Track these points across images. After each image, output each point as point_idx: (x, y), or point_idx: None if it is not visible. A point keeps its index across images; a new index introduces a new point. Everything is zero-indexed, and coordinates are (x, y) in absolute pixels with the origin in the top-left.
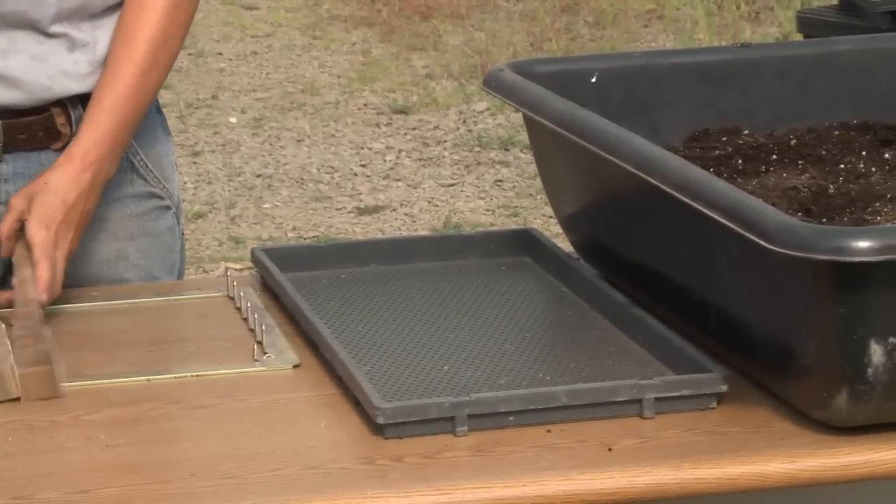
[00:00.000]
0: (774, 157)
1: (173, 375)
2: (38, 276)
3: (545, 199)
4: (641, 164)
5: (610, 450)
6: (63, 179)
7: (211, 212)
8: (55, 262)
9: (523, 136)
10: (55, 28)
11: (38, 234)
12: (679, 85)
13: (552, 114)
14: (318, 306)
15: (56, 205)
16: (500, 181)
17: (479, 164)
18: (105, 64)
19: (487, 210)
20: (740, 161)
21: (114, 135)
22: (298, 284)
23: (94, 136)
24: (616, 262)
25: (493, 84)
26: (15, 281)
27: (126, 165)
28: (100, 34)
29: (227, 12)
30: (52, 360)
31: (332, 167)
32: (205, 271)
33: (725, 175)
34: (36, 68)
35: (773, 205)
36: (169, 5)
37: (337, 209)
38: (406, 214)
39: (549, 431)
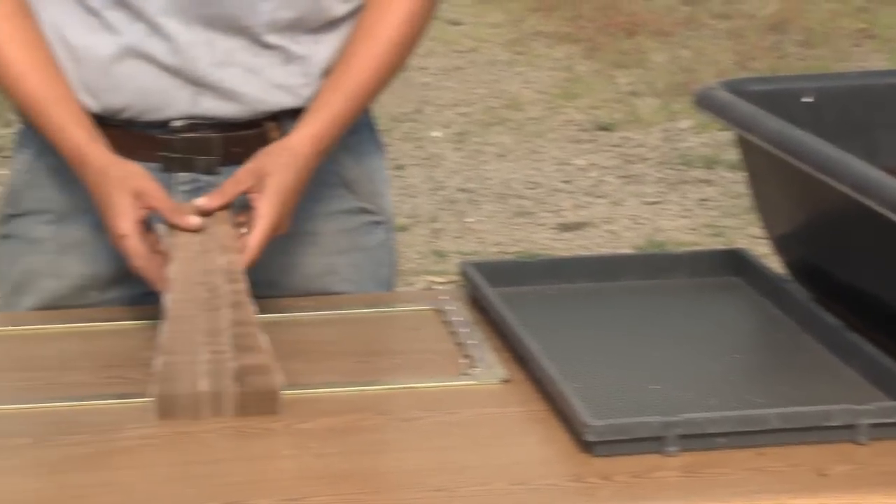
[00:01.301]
0: None
1: (383, 387)
2: (252, 241)
3: (750, 218)
4: (858, 185)
5: (823, 475)
6: (299, 162)
7: (414, 225)
8: (268, 237)
9: (728, 155)
10: (271, 39)
11: (270, 214)
12: None
13: (766, 133)
14: (526, 322)
15: (290, 189)
16: (705, 200)
17: (683, 182)
18: (343, 56)
19: (691, 229)
20: None
21: (342, 123)
22: (506, 299)
23: (327, 119)
24: (829, 285)
25: (705, 102)
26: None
27: (337, 181)
28: (317, 49)
29: (432, 28)
30: (272, 373)
31: (535, 183)
32: (407, 284)
33: None
34: (251, 81)
35: None
36: (410, 13)
37: (539, 225)
38: (608, 231)
39: (760, 454)
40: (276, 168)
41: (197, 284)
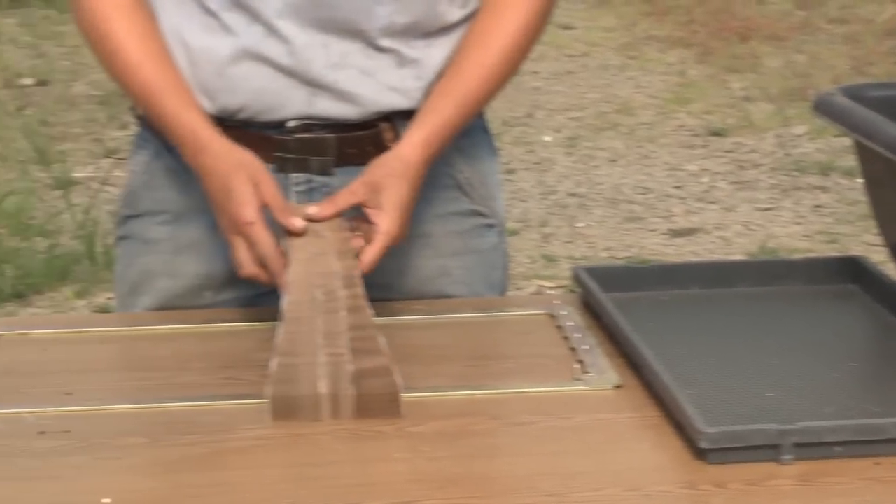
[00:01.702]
0: None
1: (495, 391)
2: (369, 252)
3: (866, 225)
4: None
5: None
6: (410, 171)
7: (524, 229)
8: (385, 250)
9: (844, 161)
10: (385, 42)
11: (391, 230)
12: None
13: (886, 139)
14: (639, 327)
15: (406, 200)
16: (819, 206)
17: (796, 188)
18: (454, 61)
19: (805, 236)
20: None
21: (452, 129)
22: (619, 305)
23: (438, 124)
24: None
25: (824, 108)
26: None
27: (451, 183)
28: (431, 53)
29: (544, 32)
30: (393, 375)
31: (646, 188)
32: (517, 288)
33: None
34: (365, 83)
35: None
36: (525, 21)
37: (650, 230)
38: (720, 238)
39: (877, 464)
40: (391, 182)
41: (314, 287)
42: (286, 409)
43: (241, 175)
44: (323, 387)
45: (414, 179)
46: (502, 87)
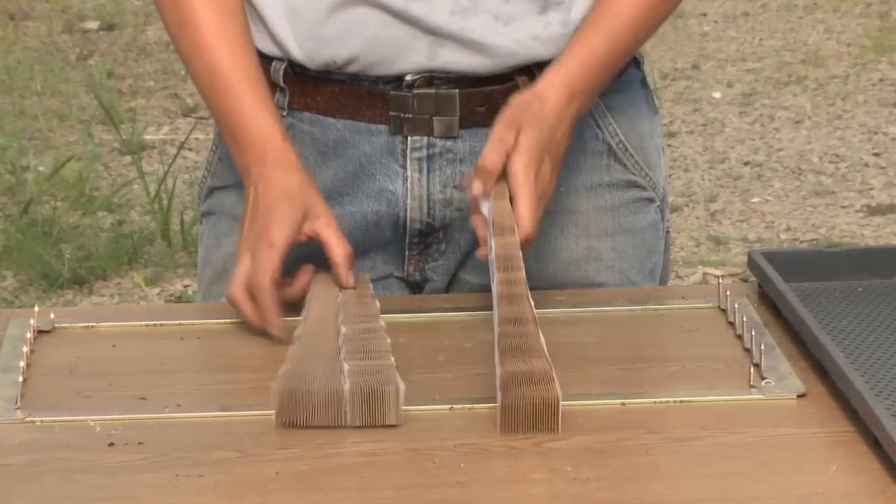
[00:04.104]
0: None
1: (653, 400)
2: (519, 213)
3: None
4: None
5: None
6: (552, 110)
7: (687, 205)
8: (534, 201)
9: None
10: None
11: (528, 178)
12: None
13: None
14: (828, 324)
15: (545, 143)
16: None
17: None
18: None
19: None
20: None
21: (602, 66)
22: (805, 297)
23: (582, 59)
24: None
25: None
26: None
27: (602, 148)
28: None
29: None
30: (554, 382)
31: (838, 155)
32: (678, 276)
33: None
34: (500, 30)
35: None
36: None
37: (842, 207)
38: None
39: None
40: (527, 121)
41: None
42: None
43: (293, 202)
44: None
45: (554, 121)
46: (659, 22)
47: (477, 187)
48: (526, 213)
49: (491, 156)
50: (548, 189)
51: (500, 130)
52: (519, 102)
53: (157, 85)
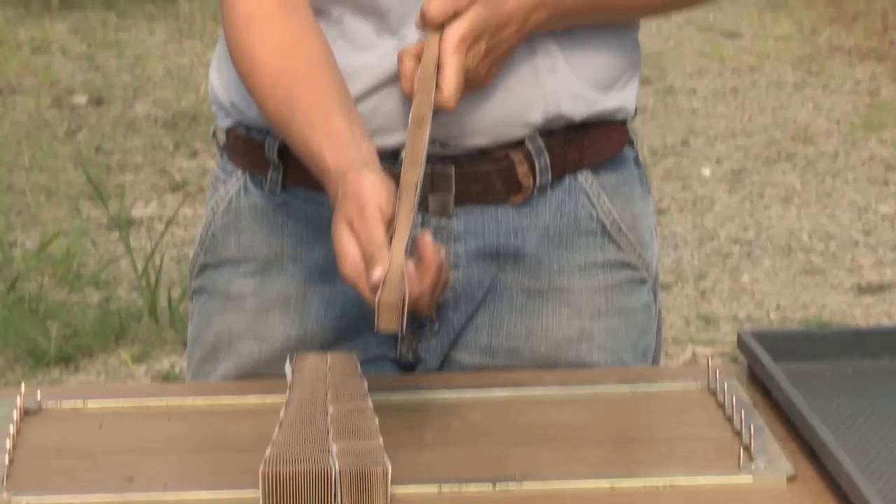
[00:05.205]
0: None
1: (642, 483)
2: (444, 79)
3: None
4: None
5: None
6: (515, 3)
7: (677, 283)
8: (461, 73)
9: None
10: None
11: (457, 41)
12: None
13: None
14: (818, 406)
15: (491, 23)
16: None
17: None
18: None
19: None
20: None
21: None
22: (795, 378)
23: None
24: None
25: None
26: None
27: (596, 227)
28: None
29: (704, 41)
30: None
31: (828, 233)
32: (668, 354)
33: None
34: (494, 106)
35: None
36: None
37: (832, 286)
38: None
39: None
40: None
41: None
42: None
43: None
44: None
45: (507, 18)
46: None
47: (416, 20)
48: (451, 81)
49: (439, 4)
50: (473, 71)
51: None
52: None
53: (146, 160)
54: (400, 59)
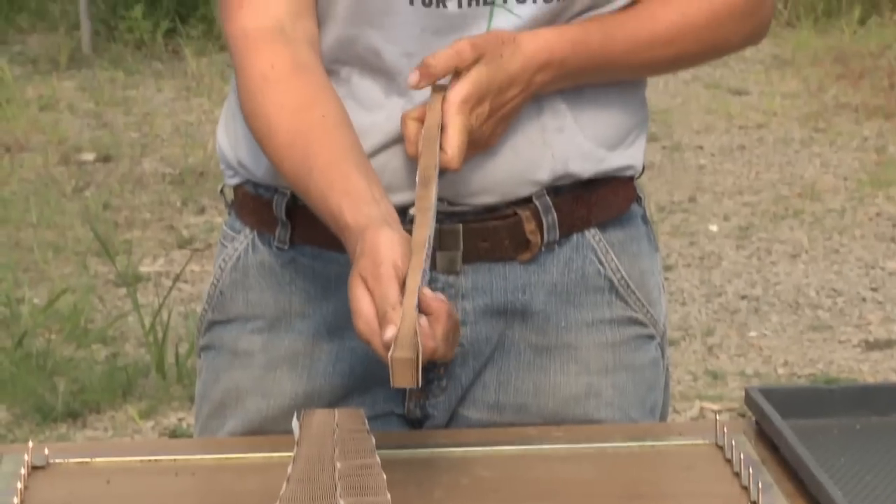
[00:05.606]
0: None
1: None
2: (448, 141)
3: None
4: None
5: None
6: (519, 64)
7: (684, 339)
8: (464, 134)
9: None
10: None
11: (460, 102)
12: None
13: None
14: (826, 462)
15: (494, 85)
16: None
17: None
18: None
19: None
20: None
21: (585, 53)
22: (802, 434)
23: (575, 43)
24: None
25: None
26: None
27: (604, 284)
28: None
29: (711, 98)
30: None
31: (835, 290)
32: (675, 410)
33: None
34: (500, 165)
35: None
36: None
37: (840, 342)
38: None
39: None
40: (492, 57)
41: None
42: None
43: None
44: None
45: (511, 79)
46: (670, 58)
47: (413, 78)
48: (455, 142)
49: (442, 59)
50: (477, 132)
51: (465, 45)
52: (497, 36)
53: (153, 217)
54: (403, 122)
